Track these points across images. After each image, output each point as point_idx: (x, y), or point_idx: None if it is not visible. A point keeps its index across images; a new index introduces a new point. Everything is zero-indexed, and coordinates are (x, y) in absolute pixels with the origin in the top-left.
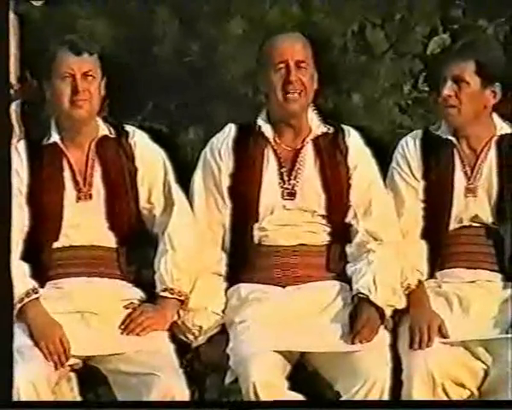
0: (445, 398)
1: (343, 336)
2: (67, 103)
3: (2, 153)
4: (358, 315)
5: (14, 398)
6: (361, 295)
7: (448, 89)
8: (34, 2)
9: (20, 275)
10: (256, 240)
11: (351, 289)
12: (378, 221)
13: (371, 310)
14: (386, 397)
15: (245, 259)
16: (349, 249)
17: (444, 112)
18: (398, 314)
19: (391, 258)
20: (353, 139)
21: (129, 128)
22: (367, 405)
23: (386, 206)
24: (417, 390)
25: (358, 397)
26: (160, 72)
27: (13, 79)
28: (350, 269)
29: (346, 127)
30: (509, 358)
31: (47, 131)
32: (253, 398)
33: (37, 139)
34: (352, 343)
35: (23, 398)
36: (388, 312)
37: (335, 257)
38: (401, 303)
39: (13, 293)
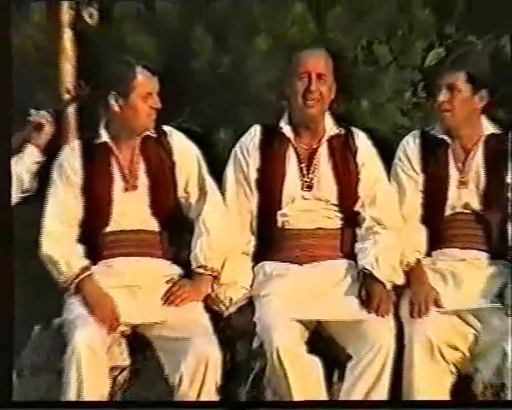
0: (442, 360)
1: (353, 307)
2: (145, 118)
3: (2, 153)
4: (369, 293)
5: (75, 362)
6: (366, 271)
7: (443, 95)
8: (89, 21)
9: (76, 255)
10: (279, 224)
11: None
12: (382, 210)
13: (375, 284)
14: (391, 357)
15: (270, 240)
16: (359, 232)
17: (439, 115)
18: (399, 288)
19: (393, 240)
20: (362, 140)
21: (166, 128)
22: (367, 405)
23: (390, 197)
24: (418, 352)
25: (363, 362)
26: (196, 81)
27: (69, 87)
28: (357, 247)
29: (355, 129)
30: (496, 324)
31: (97, 132)
32: (276, 361)
33: (89, 139)
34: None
35: (83, 360)
36: (388, 286)
37: (347, 239)
38: (399, 279)
39: (13, 296)
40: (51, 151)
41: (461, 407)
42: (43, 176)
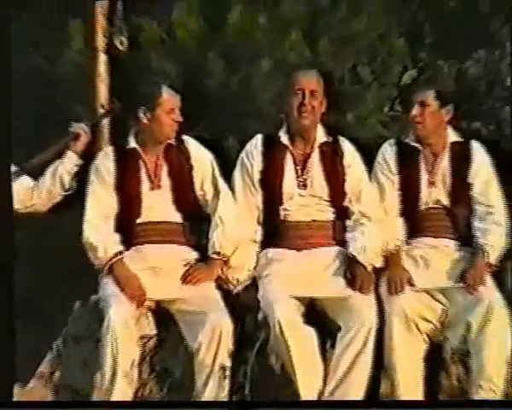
0: (416, 331)
1: (341, 286)
2: (168, 129)
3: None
4: (353, 274)
5: (110, 332)
6: (351, 256)
7: (415, 110)
8: (120, 47)
9: (113, 242)
10: (281, 217)
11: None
12: (366, 205)
13: (358, 267)
14: (374, 329)
15: (274, 231)
16: (348, 223)
17: (412, 126)
18: (379, 270)
19: (375, 231)
20: (347, 146)
21: (185, 137)
22: (367, 405)
23: (372, 194)
24: (396, 324)
25: (351, 333)
26: (210, 97)
27: (104, 102)
28: (348, 236)
29: (342, 138)
30: (461, 300)
31: (126, 140)
32: (278, 331)
33: (120, 146)
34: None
35: (117, 331)
36: (369, 268)
37: (338, 229)
38: (379, 263)
39: (13, 296)
40: (88, 156)
41: (461, 408)
42: (81, 177)
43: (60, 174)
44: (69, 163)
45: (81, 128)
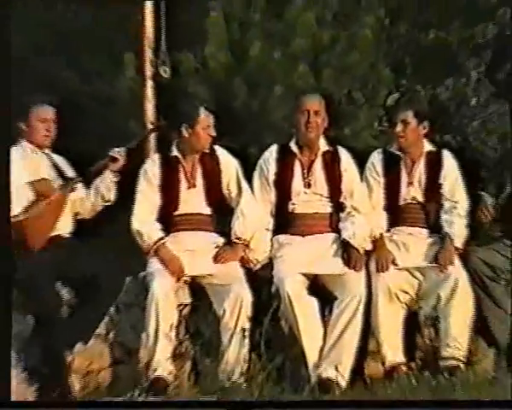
0: (397, 301)
1: (338, 264)
2: (204, 142)
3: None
4: (348, 255)
5: (154, 301)
6: (345, 240)
7: (399, 127)
8: (164, 75)
9: (155, 230)
10: (290, 210)
11: None
12: (357, 201)
13: (352, 250)
14: (363, 299)
15: (283, 220)
16: (342, 215)
17: (396, 140)
18: (369, 252)
19: (364, 221)
20: (344, 154)
21: (215, 147)
22: (366, 404)
23: (362, 192)
24: (381, 296)
25: (345, 302)
26: (235, 116)
27: (152, 120)
28: (341, 225)
29: (340, 147)
30: (433, 277)
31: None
32: (287, 300)
33: (165, 154)
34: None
35: (160, 300)
36: (361, 251)
37: (334, 220)
38: (368, 247)
39: (12, 296)
40: (129, 170)
41: (461, 407)
42: (120, 189)
43: (100, 191)
44: (108, 180)
45: (118, 153)
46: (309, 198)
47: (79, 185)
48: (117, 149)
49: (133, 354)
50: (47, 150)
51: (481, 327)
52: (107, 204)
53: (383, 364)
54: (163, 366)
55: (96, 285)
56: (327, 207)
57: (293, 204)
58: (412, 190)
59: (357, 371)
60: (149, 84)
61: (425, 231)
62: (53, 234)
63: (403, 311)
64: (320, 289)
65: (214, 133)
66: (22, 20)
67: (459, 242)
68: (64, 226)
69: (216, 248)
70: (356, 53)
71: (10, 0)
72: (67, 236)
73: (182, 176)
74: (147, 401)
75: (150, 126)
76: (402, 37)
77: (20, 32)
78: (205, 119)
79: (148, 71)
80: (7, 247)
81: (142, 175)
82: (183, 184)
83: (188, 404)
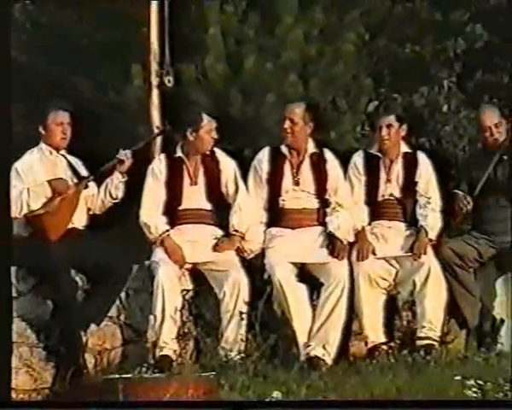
0: (377, 287)
1: (324, 254)
2: (207, 144)
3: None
4: (333, 245)
5: (160, 286)
6: (331, 233)
7: (384, 131)
8: (168, 84)
9: (161, 222)
10: (280, 205)
11: None
12: (341, 197)
13: (336, 241)
14: (347, 285)
15: (275, 215)
16: (328, 210)
17: (381, 142)
18: (351, 243)
19: (348, 216)
20: (329, 155)
21: (215, 149)
22: (364, 404)
23: (345, 189)
24: (362, 282)
25: (330, 288)
26: (232, 121)
27: (158, 124)
28: (327, 219)
29: (326, 149)
30: (409, 265)
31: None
32: (278, 286)
33: (170, 154)
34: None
35: (165, 285)
36: (344, 242)
37: (321, 214)
38: (351, 238)
39: (11, 295)
40: (137, 170)
41: (461, 408)
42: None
43: (109, 189)
44: (116, 180)
45: (125, 155)
46: (298, 195)
47: (92, 184)
48: (123, 152)
49: (141, 335)
50: (63, 152)
51: (453, 310)
52: (115, 201)
53: (366, 344)
54: (168, 345)
55: (108, 273)
56: (314, 203)
57: (284, 200)
58: (390, 187)
59: (343, 350)
60: (155, 92)
61: (403, 225)
62: (69, 227)
63: (383, 296)
64: (308, 276)
65: (216, 136)
66: (45, 36)
67: (433, 234)
68: (79, 220)
69: (215, 238)
70: (340, 65)
71: (10, 0)
72: (82, 228)
73: (185, 175)
74: (147, 401)
75: (156, 130)
76: (381, 50)
77: (44, 46)
78: (208, 123)
79: (154, 81)
80: (7, 246)
81: (149, 173)
82: (186, 182)
83: (189, 404)
